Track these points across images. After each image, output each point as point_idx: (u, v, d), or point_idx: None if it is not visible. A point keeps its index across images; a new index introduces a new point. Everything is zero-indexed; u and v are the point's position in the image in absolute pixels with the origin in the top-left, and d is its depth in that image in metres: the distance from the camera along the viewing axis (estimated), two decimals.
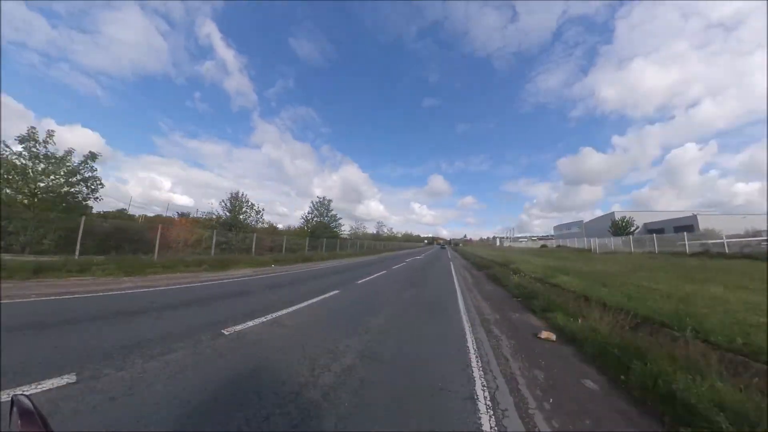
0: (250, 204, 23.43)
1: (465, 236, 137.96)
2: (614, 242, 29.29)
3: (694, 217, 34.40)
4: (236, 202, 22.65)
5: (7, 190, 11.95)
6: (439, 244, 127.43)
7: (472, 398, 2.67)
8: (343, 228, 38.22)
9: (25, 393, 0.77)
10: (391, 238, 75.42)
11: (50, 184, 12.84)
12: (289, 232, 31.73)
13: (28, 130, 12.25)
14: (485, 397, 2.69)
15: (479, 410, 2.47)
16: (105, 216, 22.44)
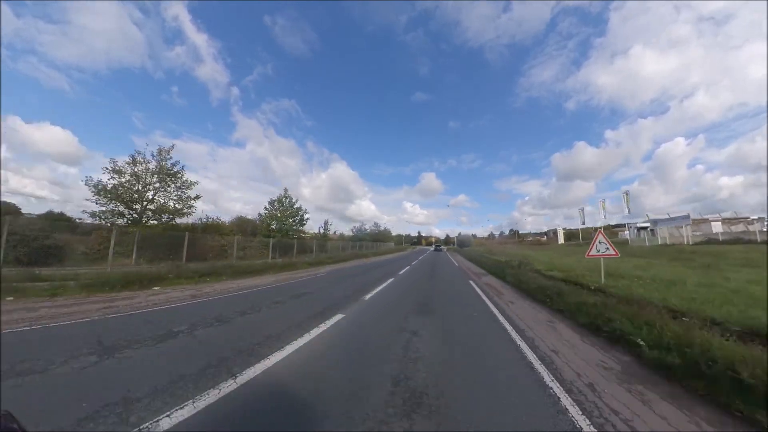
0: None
1: (459, 234, 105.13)
2: None
3: None
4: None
5: None
6: (430, 244, 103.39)
7: None
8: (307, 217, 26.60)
9: (8, 410, 0.71)
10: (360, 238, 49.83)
11: None
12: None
13: None
14: None
15: None
16: None
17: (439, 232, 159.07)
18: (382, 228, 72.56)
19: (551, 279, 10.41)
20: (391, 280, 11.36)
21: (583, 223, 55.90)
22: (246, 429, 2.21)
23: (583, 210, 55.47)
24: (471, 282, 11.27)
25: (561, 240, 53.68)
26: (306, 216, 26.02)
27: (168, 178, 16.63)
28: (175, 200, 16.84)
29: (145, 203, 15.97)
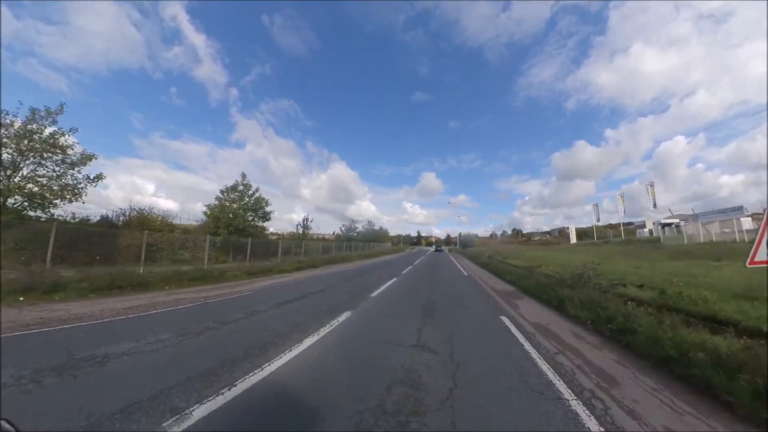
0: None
1: (461, 234, 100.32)
2: None
3: None
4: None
5: None
6: (430, 244, 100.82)
7: None
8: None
9: (8, 419, 0.79)
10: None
11: None
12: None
13: None
14: None
15: None
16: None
17: (439, 232, 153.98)
18: (377, 227, 67.12)
19: (648, 307, 5.17)
20: (346, 315, 5.88)
21: (598, 220, 51.06)
22: None
23: (597, 206, 50.58)
24: (505, 320, 5.61)
25: (573, 239, 48.39)
26: (269, 209, 20.70)
27: (47, 149, 11.50)
28: (55, 180, 11.65)
29: None
